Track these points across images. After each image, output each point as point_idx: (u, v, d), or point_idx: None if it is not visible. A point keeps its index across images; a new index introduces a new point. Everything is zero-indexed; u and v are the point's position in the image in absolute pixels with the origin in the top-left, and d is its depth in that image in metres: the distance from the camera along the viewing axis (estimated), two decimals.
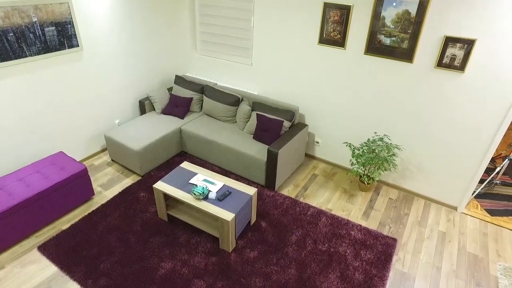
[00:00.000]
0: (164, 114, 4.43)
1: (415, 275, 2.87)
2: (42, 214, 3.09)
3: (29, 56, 3.21)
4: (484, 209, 3.67)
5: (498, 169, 3.76)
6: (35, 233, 3.13)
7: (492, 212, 3.62)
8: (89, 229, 3.16)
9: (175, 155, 4.33)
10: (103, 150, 4.37)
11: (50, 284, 2.65)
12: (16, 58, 3.12)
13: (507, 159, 3.82)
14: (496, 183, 4.08)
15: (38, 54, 3.27)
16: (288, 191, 3.82)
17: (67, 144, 3.90)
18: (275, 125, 3.80)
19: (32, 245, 2.99)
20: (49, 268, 2.78)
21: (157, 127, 4.10)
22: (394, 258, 3.03)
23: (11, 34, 3.02)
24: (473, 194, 3.81)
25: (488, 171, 4.31)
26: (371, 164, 3.60)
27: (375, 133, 3.81)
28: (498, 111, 3.02)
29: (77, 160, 4.04)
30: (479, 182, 4.04)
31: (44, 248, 2.94)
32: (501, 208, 3.69)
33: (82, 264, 2.81)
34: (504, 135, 5.39)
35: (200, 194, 2.89)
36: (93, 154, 4.25)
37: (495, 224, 3.47)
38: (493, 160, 4.61)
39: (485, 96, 3.03)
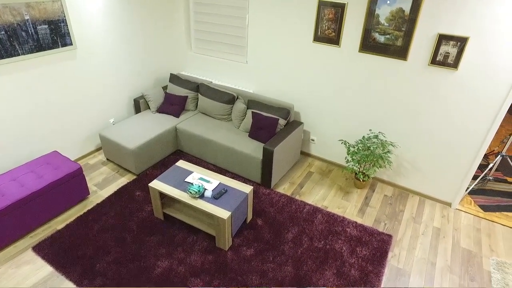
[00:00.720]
0: (159, 112, 4.41)
1: (410, 271, 2.90)
2: (37, 214, 3.06)
3: (22, 54, 3.17)
4: (478, 205, 3.71)
5: (491, 165, 3.80)
6: (29, 233, 3.10)
7: (485, 208, 3.66)
8: (85, 228, 3.14)
9: (170, 154, 4.32)
10: (98, 149, 4.34)
11: (46, 284, 2.63)
12: (8, 57, 3.08)
13: (499, 156, 3.87)
14: (489, 179, 4.13)
15: (30, 53, 3.23)
16: (284, 189, 3.83)
17: (61, 143, 3.87)
18: (271, 123, 3.81)
19: (26, 246, 2.96)
20: (44, 269, 2.76)
21: (152, 126, 4.08)
22: (390, 254, 3.06)
23: (2, 32, 2.98)
24: (466, 190, 3.85)
25: (481, 167, 4.36)
26: (366, 162, 3.62)
27: (370, 130, 3.83)
28: (491, 107, 3.05)
29: (72, 160, 4.00)
30: (472, 179, 4.09)
31: (39, 249, 2.92)
32: (494, 204, 3.73)
33: (78, 264, 2.79)
34: (497, 132, 5.46)
35: (196, 192, 2.89)
36: (88, 153, 4.23)
37: (488, 220, 3.51)
38: (486, 156, 4.66)
39: (478, 93, 3.06)
